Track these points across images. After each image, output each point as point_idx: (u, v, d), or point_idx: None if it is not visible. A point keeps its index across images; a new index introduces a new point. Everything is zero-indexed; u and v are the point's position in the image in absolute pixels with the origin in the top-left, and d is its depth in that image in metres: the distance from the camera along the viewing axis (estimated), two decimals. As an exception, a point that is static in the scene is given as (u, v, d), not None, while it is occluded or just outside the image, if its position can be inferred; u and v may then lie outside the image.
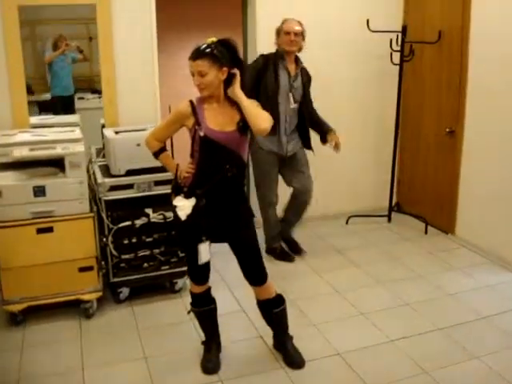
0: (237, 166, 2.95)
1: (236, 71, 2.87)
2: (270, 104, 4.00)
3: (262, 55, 4.40)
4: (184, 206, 2.92)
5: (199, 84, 2.85)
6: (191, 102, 2.95)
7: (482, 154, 4.76)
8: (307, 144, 4.60)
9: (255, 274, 3.17)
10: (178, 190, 3.01)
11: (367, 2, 5.29)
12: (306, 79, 4.51)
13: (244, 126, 2.89)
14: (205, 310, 3.25)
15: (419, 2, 5.35)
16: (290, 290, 3.98)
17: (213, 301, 3.29)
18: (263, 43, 5.01)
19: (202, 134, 2.87)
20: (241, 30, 5.35)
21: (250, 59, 5.19)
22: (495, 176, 4.63)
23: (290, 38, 4.28)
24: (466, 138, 4.92)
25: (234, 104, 2.92)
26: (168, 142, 3.25)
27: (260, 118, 2.84)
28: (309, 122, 4.55)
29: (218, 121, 2.90)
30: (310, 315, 3.86)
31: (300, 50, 4.41)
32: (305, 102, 4.50)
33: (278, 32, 4.36)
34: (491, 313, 3.84)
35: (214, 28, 6.82)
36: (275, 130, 4.21)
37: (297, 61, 4.45)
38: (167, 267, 4.05)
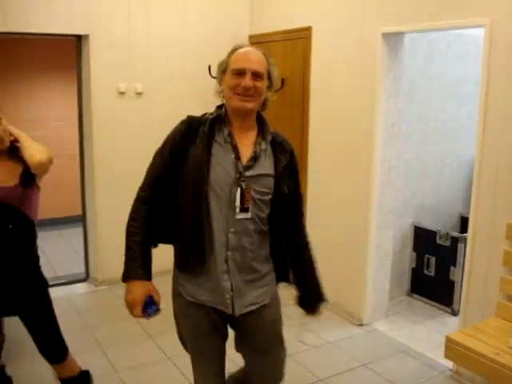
0: (22, 227, 2.55)
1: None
2: (191, 209, 2.15)
3: (188, 119, 2.26)
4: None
5: None
6: None
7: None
8: (283, 275, 2.39)
9: (52, 351, 2.77)
10: None
11: (211, 49, 5.10)
12: (285, 162, 2.26)
13: (27, 177, 2.51)
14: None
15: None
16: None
17: (8, 381, 2.82)
18: (99, 84, 4.75)
19: None
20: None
21: (86, 103, 4.86)
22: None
23: (242, 82, 2.11)
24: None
25: (18, 156, 2.54)
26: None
27: (34, 149, 2.46)
28: (288, 253, 2.35)
29: (-5, 175, 2.49)
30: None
31: (264, 107, 2.27)
32: (280, 210, 2.26)
33: (223, 69, 2.21)
34: (329, 374, 3.65)
35: (49, 69, 6.57)
36: (203, 261, 2.19)
37: (260, 125, 2.26)
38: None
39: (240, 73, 2.11)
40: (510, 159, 3.23)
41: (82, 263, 5.32)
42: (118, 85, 4.84)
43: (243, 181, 2.12)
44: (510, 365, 2.75)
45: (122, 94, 4.87)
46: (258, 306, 2.25)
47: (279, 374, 2.45)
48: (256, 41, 5.35)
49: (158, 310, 2.20)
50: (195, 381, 2.41)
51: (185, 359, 3.65)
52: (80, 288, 5.12)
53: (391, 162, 4.26)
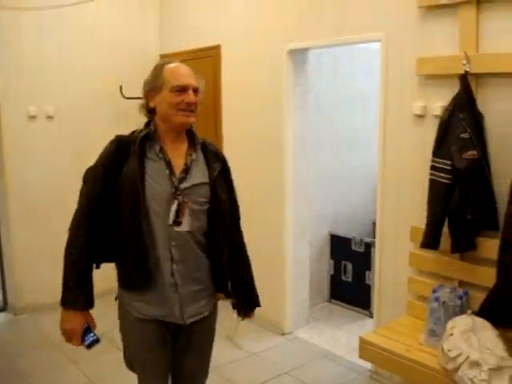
0: None
1: None
2: (131, 228, 2.17)
3: (117, 138, 2.25)
4: None
5: None
6: None
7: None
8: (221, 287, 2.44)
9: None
10: None
11: (122, 69, 5.13)
12: (219, 168, 2.33)
13: None
14: None
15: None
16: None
17: None
18: (8, 108, 4.66)
19: None
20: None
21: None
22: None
23: (186, 98, 2.18)
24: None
25: None
26: None
27: None
28: (224, 263, 2.39)
29: None
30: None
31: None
32: (218, 218, 2.29)
33: (157, 87, 2.20)
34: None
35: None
36: (149, 277, 2.20)
37: (191, 138, 2.33)
38: None
39: (183, 89, 2.17)
40: (410, 166, 3.41)
41: (-1, 292, 5.17)
42: (27, 108, 4.75)
43: (179, 194, 2.17)
44: (419, 360, 2.87)
45: (32, 117, 4.79)
46: (200, 316, 2.31)
47: (206, 377, 2.54)
48: (167, 60, 5.41)
49: (98, 340, 2.22)
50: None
51: (109, 383, 3.69)
52: (-2, 318, 4.98)
53: (303, 175, 4.40)
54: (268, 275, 4.46)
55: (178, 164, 2.22)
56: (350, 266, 4.95)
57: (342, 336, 4.47)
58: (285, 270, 4.41)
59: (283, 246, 4.39)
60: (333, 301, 5.15)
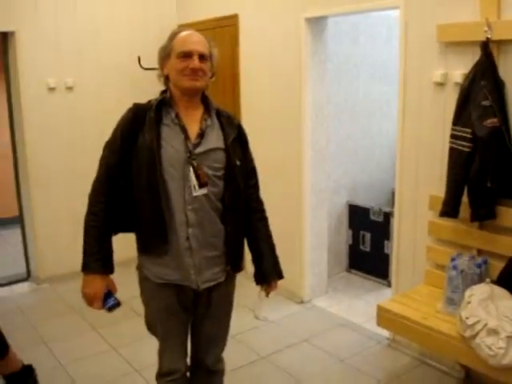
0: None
1: None
2: (149, 193, 2.21)
3: (135, 106, 2.31)
4: None
5: None
6: None
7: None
8: (235, 264, 2.43)
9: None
10: None
11: (140, 40, 5.12)
12: (234, 135, 2.35)
13: None
14: None
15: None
16: None
17: None
18: (28, 81, 4.70)
19: None
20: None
21: (16, 101, 4.78)
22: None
23: (190, 64, 2.17)
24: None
25: None
26: None
27: None
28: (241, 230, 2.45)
29: None
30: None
31: (207, 87, 2.31)
32: (233, 184, 2.32)
33: (167, 54, 2.25)
34: (270, 351, 3.77)
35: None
36: (166, 240, 2.25)
37: (206, 104, 2.32)
38: None
39: (187, 55, 2.18)
40: (429, 134, 3.39)
41: (22, 263, 5.27)
42: (47, 80, 4.78)
43: (194, 159, 2.20)
44: (436, 328, 2.90)
45: (51, 89, 4.81)
46: (215, 282, 2.34)
47: (224, 344, 2.57)
48: (185, 30, 5.39)
49: (119, 304, 2.28)
50: (161, 364, 2.45)
51: (129, 349, 3.77)
52: (22, 287, 5.08)
53: (321, 144, 4.39)
54: (286, 244, 4.48)
55: (193, 130, 2.25)
56: (368, 236, 4.96)
57: (360, 305, 4.50)
58: (303, 240, 4.44)
59: (301, 216, 4.42)
60: (351, 270, 5.18)
